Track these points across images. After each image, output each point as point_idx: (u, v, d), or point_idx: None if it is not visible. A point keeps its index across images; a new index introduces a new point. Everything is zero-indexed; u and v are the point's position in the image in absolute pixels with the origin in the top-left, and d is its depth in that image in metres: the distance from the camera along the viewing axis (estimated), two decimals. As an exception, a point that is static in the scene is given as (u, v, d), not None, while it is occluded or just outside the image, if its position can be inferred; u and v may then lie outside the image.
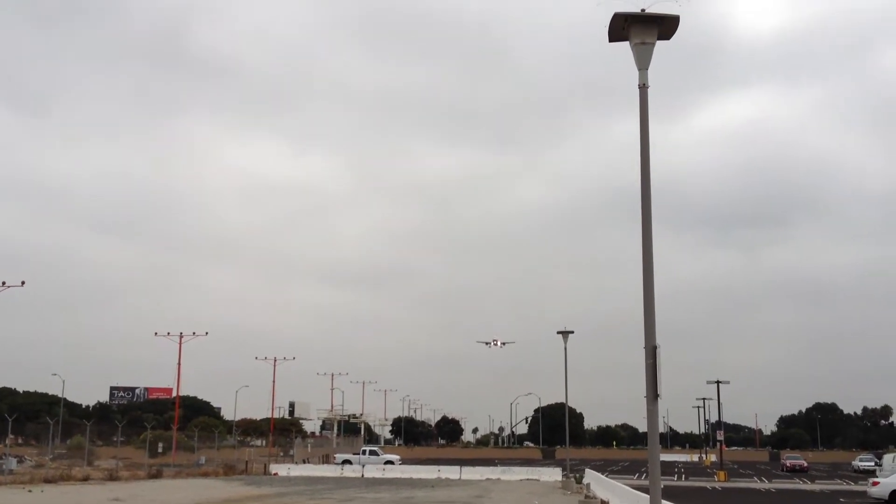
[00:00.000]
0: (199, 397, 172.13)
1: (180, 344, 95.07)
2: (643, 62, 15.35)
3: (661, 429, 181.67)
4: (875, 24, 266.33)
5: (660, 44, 15.48)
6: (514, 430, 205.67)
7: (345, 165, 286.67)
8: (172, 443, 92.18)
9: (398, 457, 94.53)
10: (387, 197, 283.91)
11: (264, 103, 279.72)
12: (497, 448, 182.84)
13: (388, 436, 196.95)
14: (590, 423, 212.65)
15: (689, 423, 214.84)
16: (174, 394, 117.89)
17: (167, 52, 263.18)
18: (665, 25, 15.27)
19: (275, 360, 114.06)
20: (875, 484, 47.59)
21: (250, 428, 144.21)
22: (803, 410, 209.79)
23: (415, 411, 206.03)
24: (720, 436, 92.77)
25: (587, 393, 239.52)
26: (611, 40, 15.71)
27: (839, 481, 75.60)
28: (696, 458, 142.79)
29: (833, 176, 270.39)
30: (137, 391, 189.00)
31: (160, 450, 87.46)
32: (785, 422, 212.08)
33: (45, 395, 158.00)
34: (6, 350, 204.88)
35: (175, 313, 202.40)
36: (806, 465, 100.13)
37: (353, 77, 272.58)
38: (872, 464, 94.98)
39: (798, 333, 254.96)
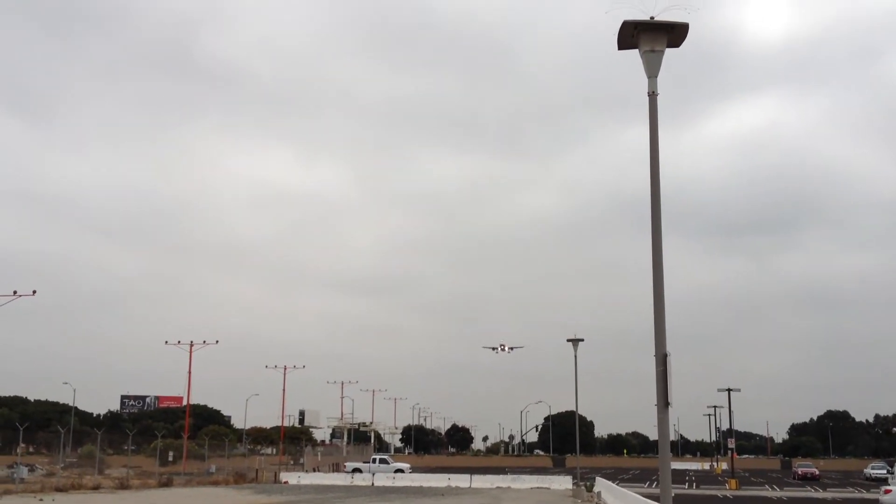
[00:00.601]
0: (210, 406, 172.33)
1: (191, 352, 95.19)
2: (652, 70, 15.35)
3: (672, 437, 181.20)
4: (884, 32, 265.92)
5: (669, 51, 15.49)
6: (524, 438, 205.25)
7: (352, 174, 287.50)
8: (183, 451, 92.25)
9: (408, 465, 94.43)
10: (395, 205, 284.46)
11: (272, 112, 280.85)
12: (507, 456, 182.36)
13: (399, 444, 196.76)
14: (600, 431, 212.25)
15: (700, 432, 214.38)
16: (185, 402, 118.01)
17: (175, 61, 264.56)
18: (674, 33, 15.27)
19: (285, 369, 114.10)
20: (887, 492, 47.36)
21: (260, 436, 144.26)
22: (815, 418, 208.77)
23: (425, 419, 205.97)
24: (731, 444, 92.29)
25: (598, 401, 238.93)
26: (620, 48, 15.72)
27: (851, 489, 75.21)
28: (707, 466, 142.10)
29: (842, 183, 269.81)
30: (148, 400, 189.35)
31: (171, 458, 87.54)
32: (796, 430, 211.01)
33: (56, 403, 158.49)
34: (18, 359, 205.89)
35: (185, 322, 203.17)
36: (818, 473, 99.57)
37: (361, 86, 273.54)
38: (885, 471, 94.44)
39: (809, 341, 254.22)
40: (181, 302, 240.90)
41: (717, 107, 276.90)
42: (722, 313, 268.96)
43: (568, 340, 70.40)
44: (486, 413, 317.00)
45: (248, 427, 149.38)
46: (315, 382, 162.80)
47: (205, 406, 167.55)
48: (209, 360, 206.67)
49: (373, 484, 72.50)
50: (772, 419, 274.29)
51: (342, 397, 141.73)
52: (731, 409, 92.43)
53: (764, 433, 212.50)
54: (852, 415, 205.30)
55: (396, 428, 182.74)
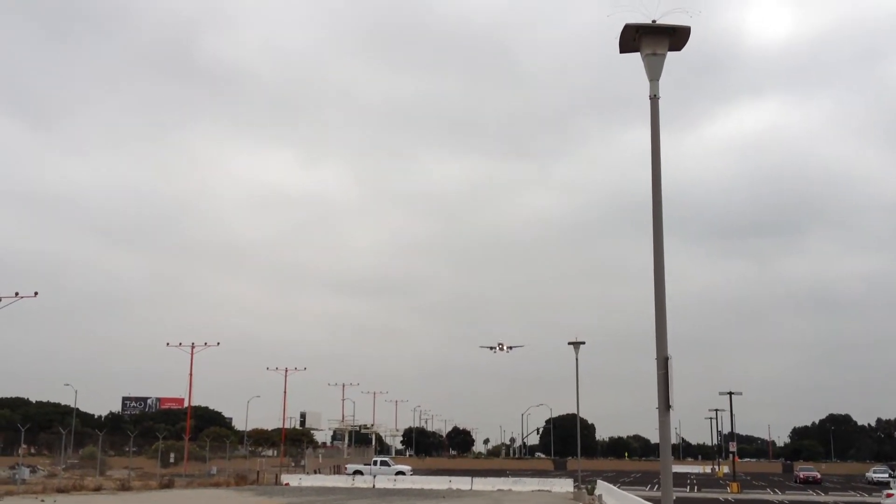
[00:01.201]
0: (211, 407, 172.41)
1: (192, 354, 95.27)
2: (654, 73, 15.37)
3: (674, 440, 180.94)
4: (887, 33, 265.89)
5: (670, 54, 15.51)
6: (525, 441, 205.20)
7: (353, 176, 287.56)
8: (184, 453, 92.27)
9: (409, 467, 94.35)
10: (396, 207, 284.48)
11: (273, 114, 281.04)
12: (508, 459, 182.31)
13: (400, 446, 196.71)
14: (601, 434, 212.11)
15: (701, 435, 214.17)
16: (186, 404, 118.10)
17: (176, 64, 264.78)
18: (676, 36, 15.30)
19: (286, 371, 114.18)
20: (889, 496, 47.31)
21: (262, 438, 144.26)
22: (816, 422, 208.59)
23: (426, 422, 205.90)
24: (733, 447, 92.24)
25: (599, 404, 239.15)
26: (622, 51, 15.74)
27: (853, 493, 75.13)
28: (708, 469, 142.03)
29: (845, 185, 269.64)
30: (149, 401, 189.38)
31: (172, 460, 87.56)
32: (798, 433, 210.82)
33: (58, 405, 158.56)
34: (19, 360, 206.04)
35: (186, 324, 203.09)
36: (819, 476, 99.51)
37: (362, 88, 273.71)
38: (887, 475, 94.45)
39: (811, 344, 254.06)
40: (182, 303, 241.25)
41: (719, 109, 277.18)
42: (724, 316, 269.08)
43: (569, 343, 70.42)
44: (488, 415, 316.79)
45: (249, 429, 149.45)
46: (316, 384, 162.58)
47: (206, 408, 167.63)
48: (210, 362, 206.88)
49: (374, 486, 72.48)
50: (773, 422, 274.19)
51: (343, 399, 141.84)
52: (733, 412, 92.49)
53: (765, 436, 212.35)
54: (854, 418, 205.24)
55: (398, 430, 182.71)
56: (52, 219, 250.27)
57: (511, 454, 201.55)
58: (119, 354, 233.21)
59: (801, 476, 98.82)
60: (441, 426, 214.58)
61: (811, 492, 75.77)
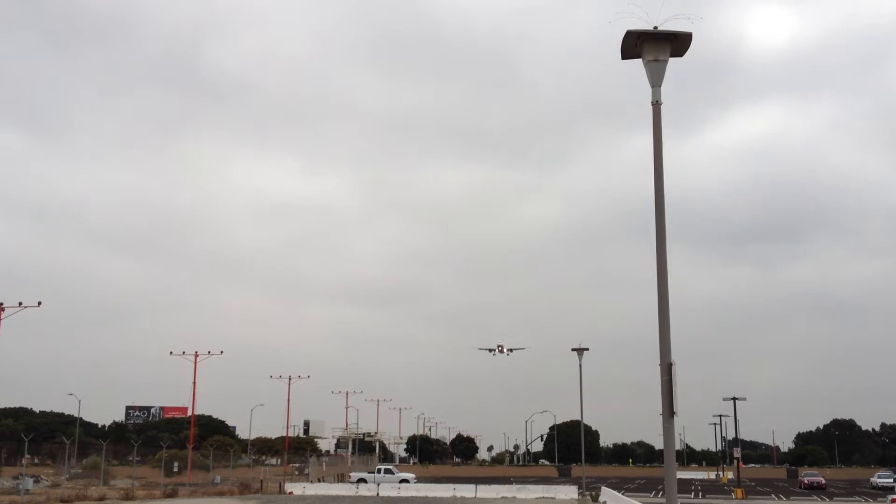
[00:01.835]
0: (215, 416, 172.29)
1: (195, 363, 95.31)
2: (656, 79, 15.37)
3: (678, 446, 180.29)
4: (889, 38, 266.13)
5: (672, 60, 15.52)
6: (529, 447, 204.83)
7: (357, 184, 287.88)
8: (188, 462, 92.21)
9: (413, 475, 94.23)
10: (399, 215, 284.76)
11: (277, 123, 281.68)
12: (512, 466, 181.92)
13: (403, 454, 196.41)
14: (605, 440, 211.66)
15: (705, 441, 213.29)
16: (189, 413, 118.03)
17: (180, 74, 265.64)
18: (678, 43, 15.30)
19: (289, 379, 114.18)
20: (894, 501, 47.19)
21: (265, 447, 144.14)
22: (821, 427, 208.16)
23: (430, 429, 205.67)
24: (737, 453, 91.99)
25: (603, 410, 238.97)
26: (623, 58, 15.75)
27: (858, 498, 74.94)
28: (713, 475, 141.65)
29: (849, 190, 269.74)
30: (153, 410, 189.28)
31: (176, 469, 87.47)
32: (802, 438, 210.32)
33: (62, 414, 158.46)
34: (22, 370, 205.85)
35: (190, 333, 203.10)
36: (824, 482, 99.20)
37: (365, 97, 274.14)
38: (891, 480, 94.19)
39: (815, 349, 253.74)
40: (186, 312, 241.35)
41: (721, 115, 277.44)
42: (728, 322, 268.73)
43: (573, 350, 70.35)
44: (491, 423, 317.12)
45: (252, 437, 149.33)
46: (320, 392, 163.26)
47: (210, 416, 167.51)
48: (214, 371, 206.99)
49: (378, 494, 72.38)
50: (778, 428, 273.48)
51: (347, 407, 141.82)
52: (737, 418, 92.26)
53: (770, 442, 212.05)
54: (858, 423, 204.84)
55: (401, 438, 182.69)
56: (55, 229, 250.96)
57: (515, 461, 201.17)
58: (122, 363, 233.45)
59: (806, 481, 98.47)
60: (445, 434, 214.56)
61: (816, 497, 75.59)
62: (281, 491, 76.73)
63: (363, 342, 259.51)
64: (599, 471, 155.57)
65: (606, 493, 57.76)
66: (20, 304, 64.44)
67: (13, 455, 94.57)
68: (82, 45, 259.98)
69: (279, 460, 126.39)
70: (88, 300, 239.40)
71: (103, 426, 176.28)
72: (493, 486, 75.26)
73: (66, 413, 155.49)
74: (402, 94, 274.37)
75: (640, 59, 15.49)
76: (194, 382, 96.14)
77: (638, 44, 15.34)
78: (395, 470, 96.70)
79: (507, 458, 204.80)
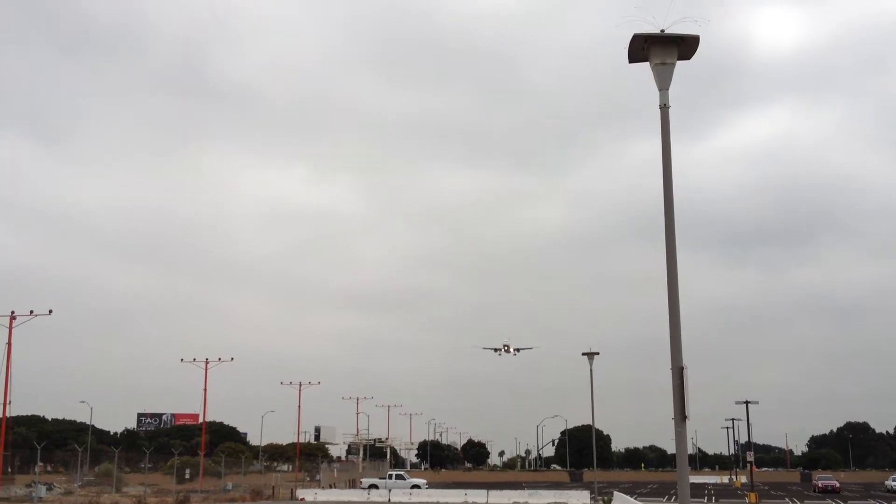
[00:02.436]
0: (226, 423, 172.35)
1: (206, 370, 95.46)
2: (664, 82, 15.32)
3: (690, 450, 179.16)
4: (894, 39, 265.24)
5: (679, 62, 15.47)
6: (540, 452, 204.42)
7: (364, 190, 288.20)
8: (200, 469, 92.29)
9: (424, 481, 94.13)
10: (406, 221, 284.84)
11: (283, 130, 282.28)
12: (524, 471, 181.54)
13: (415, 460, 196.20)
14: (617, 445, 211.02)
15: (718, 445, 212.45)
16: (201, 419, 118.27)
17: (187, 82, 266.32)
18: (685, 45, 15.26)
19: (300, 385, 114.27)
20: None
21: (276, 453, 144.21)
22: (834, 430, 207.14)
23: (441, 435, 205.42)
24: (750, 457, 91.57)
25: (614, 414, 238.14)
26: (631, 61, 15.71)
27: (873, 502, 74.54)
28: (726, 479, 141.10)
29: (856, 192, 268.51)
30: (164, 417, 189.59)
31: (187, 476, 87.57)
32: (816, 442, 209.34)
33: (74, 422, 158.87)
34: (34, 378, 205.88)
35: (200, 339, 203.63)
36: (838, 485, 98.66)
37: (370, 103, 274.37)
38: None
39: (827, 352, 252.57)
40: (196, 319, 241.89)
41: (728, 117, 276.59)
42: (738, 324, 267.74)
43: (583, 354, 70.16)
44: (502, 428, 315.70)
45: (264, 444, 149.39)
46: (330, 398, 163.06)
47: (221, 423, 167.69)
48: (224, 377, 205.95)
49: (389, 500, 72.33)
50: (791, 431, 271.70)
51: (357, 413, 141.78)
52: (750, 421, 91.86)
53: (783, 445, 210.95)
54: (872, 426, 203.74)
55: (412, 443, 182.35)
56: (66, 236, 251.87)
57: (527, 466, 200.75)
58: (134, 371, 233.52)
59: (820, 485, 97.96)
60: (456, 439, 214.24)
61: (830, 501, 75.21)
62: (292, 497, 76.75)
63: (373, 347, 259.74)
64: (611, 475, 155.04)
65: (619, 498, 57.57)
66: (31, 312, 64.71)
67: (26, 463, 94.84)
68: (91, 54, 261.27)
69: (290, 466, 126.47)
70: (99, 308, 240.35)
71: (115, 433, 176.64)
72: (504, 491, 75.09)
73: (79, 420, 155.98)
74: (408, 100, 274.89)
75: (648, 63, 15.46)
76: (205, 389, 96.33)
77: (645, 47, 15.30)
78: (406, 475, 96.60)
79: (519, 464, 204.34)
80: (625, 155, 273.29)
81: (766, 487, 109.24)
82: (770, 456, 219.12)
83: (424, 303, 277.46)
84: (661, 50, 15.18)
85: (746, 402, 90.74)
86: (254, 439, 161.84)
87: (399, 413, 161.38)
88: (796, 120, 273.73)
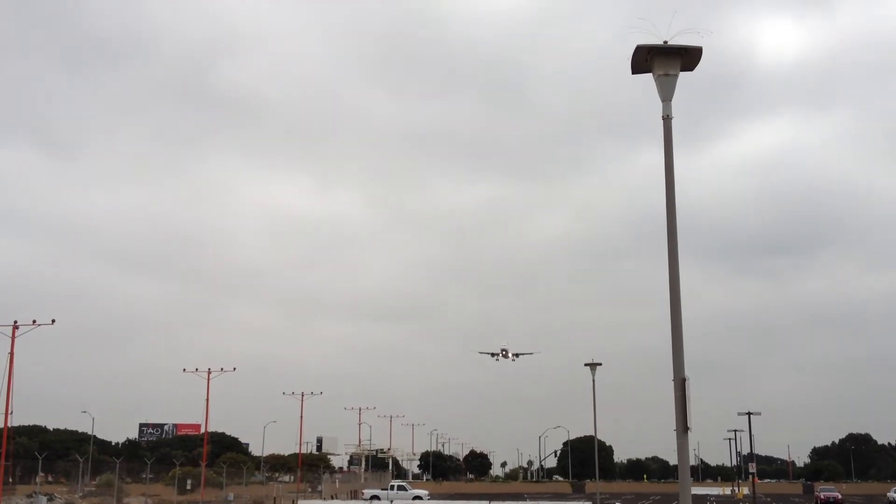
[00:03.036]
0: (228, 433, 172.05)
1: (208, 380, 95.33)
2: (667, 94, 15.36)
3: (692, 461, 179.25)
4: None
5: (682, 73, 15.52)
6: (542, 463, 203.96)
7: (368, 200, 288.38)
8: (201, 479, 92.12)
9: (426, 492, 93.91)
10: (410, 231, 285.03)
11: (288, 140, 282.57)
12: (526, 482, 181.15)
13: (416, 470, 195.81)
14: (620, 456, 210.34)
15: (720, 456, 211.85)
16: (203, 430, 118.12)
17: (192, 92, 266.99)
18: (688, 57, 15.31)
19: (302, 395, 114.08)
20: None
21: (278, 463, 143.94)
22: (836, 441, 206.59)
23: (443, 445, 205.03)
24: (752, 468, 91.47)
25: (616, 425, 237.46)
26: (634, 72, 15.76)
27: (875, 514, 74.27)
28: (728, 491, 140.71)
29: (861, 202, 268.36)
30: (166, 427, 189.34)
31: (189, 486, 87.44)
32: (818, 453, 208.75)
33: (75, 432, 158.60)
34: (36, 387, 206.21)
35: (203, 349, 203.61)
36: (840, 497, 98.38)
37: (375, 113, 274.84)
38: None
39: (829, 363, 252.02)
40: (199, 329, 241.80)
41: (732, 127, 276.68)
42: (741, 335, 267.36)
43: (585, 364, 70.03)
44: (505, 439, 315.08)
45: (265, 454, 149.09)
46: (332, 409, 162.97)
47: (223, 433, 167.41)
48: (227, 387, 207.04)
49: (391, 511, 72.18)
50: (793, 443, 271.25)
51: (360, 423, 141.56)
52: (752, 432, 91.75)
53: (785, 457, 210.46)
54: (874, 437, 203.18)
55: (414, 454, 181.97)
56: (69, 246, 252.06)
57: (529, 477, 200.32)
58: (136, 380, 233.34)
59: (822, 497, 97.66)
60: (458, 449, 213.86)
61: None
62: (294, 508, 76.61)
63: (375, 358, 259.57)
64: (614, 487, 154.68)
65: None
66: (34, 321, 64.66)
67: (27, 473, 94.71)
68: (96, 64, 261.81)
69: (292, 477, 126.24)
70: (102, 318, 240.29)
71: (117, 444, 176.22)
72: (506, 502, 74.98)
73: (80, 431, 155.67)
74: (413, 110, 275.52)
75: (651, 74, 15.50)
76: (207, 399, 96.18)
77: (648, 58, 15.35)
78: (408, 486, 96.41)
79: (521, 474, 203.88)
80: (628, 165, 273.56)
81: (769, 499, 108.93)
82: (772, 467, 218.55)
83: (427, 313, 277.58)
84: (664, 61, 15.23)
85: (749, 414, 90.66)
86: (256, 450, 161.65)
87: (401, 423, 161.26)
88: (800, 130, 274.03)
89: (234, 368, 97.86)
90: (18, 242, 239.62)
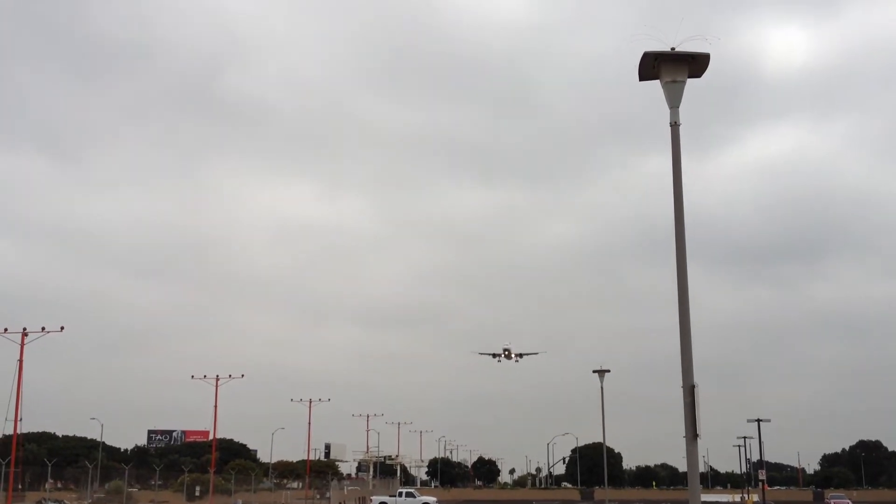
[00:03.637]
0: (236, 440, 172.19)
1: (216, 386, 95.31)
2: (674, 100, 15.35)
3: (702, 468, 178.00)
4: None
5: (690, 80, 15.51)
6: (551, 470, 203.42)
7: (375, 206, 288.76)
8: (210, 486, 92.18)
9: (435, 499, 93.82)
10: (417, 237, 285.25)
11: (294, 147, 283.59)
12: (535, 489, 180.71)
13: (425, 477, 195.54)
14: (629, 462, 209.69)
15: (730, 463, 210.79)
16: (211, 437, 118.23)
17: (198, 100, 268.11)
18: (695, 64, 15.29)
19: (310, 402, 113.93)
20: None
21: (286, 470, 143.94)
22: (847, 448, 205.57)
23: (451, 452, 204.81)
24: (762, 475, 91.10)
25: (625, 432, 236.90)
26: (641, 79, 15.74)
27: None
28: (738, 498, 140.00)
29: (868, 208, 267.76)
30: (175, 434, 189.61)
31: (197, 493, 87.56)
32: (828, 460, 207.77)
33: (84, 439, 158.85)
34: (45, 394, 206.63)
35: (211, 356, 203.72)
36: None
37: (382, 119, 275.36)
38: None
39: (839, 369, 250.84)
40: (207, 335, 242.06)
41: (740, 134, 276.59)
42: (750, 342, 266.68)
43: (594, 371, 69.87)
44: (513, 445, 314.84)
45: (274, 461, 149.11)
46: (340, 415, 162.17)
47: (231, 440, 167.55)
48: (235, 394, 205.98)
49: (399, 518, 72.09)
50: (803, 450, 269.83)
51: (368, 430, 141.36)
52: (762, 439, 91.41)
53: (795, 464, 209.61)
54: (885, 444, 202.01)
55: (423, 461, 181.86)
56: (78, 253, 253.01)
57: (537, 484, 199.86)
58: (144, 387, 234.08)
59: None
60: (466, 456, 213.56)
61: (843, 520, 74.60)
62: (302, 515, 76.60)
63: (383, 364, 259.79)
64: (623, 494, 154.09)
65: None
66: (43, 328, 64.87)
67: (37, 480, 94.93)
68: (104, 72, 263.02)
69: (300, 484, 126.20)
70: (110, 324, 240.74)
71: (126, 450, 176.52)
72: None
73: (89, 437, 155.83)
74: (419, 116, 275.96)
75: (658, 81, 15.50)
76: (215, 406, 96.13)
77: (655, 65, 15.34)
78: (416, 493, 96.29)
79: (530, 481, 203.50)
80: (635, 172, 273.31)
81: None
82: (782, 474, 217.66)
83: (435, 319, 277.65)
84: (671, 68, 15.22)
85: (758, 420, 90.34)
86: (264, 456, 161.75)
87: (409, 430, 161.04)
88: (807, 136, 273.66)
89: (243, 375, 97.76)
90: (28, 249, 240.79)
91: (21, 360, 63.25)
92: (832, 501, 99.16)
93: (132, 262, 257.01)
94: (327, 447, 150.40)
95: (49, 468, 63.86)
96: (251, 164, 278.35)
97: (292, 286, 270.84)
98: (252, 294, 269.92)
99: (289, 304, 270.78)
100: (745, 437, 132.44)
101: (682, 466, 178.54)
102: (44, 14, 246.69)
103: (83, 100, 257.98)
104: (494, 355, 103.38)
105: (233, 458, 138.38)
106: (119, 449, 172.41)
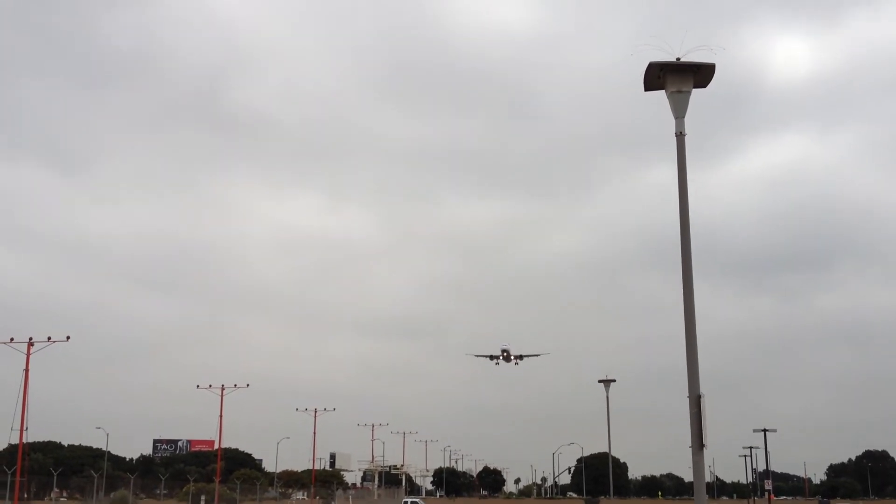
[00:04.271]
0: (241, 449, 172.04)
1: (222, 396, 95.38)
2: (679, 110, 15.38)
3: (708, 478, 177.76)
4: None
5: (695, 90, 15.53)
6: (556, 480, 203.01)
7: (379, 218, 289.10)
8: (215, 495, 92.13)
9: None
10: (421, 248, 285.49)
11: (299, 159, 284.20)
12: (540, 499, 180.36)
13: (430, 487, 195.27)
14: (634, 472, 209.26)
15: (736, 473, 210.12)
16: (216, 446, 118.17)
17: (204, 112, 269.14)
18: (701, 74, 15.32)
19: (315, 412, 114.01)
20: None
21: (292, 480, 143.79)
22: (853, 458, 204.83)
23: (456, 462, 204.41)
24: (768, 485, 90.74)
25: (631, 442, 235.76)
26: (647, 89, 15.78)
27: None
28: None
29: (874, 218, 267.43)
30: (180, 443, 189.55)
31: (203, 502, 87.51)
32: (834, 470, 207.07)
33: (90, 448, 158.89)
34: (51, 404, 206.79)
35: (216, 366, 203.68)
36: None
37: (386, 131, 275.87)
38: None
39: (845, 379, 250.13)
40: (212, 346, 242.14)
41: (744, 143, 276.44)
42: (756, 352, 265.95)
43: (599, 381, 69.83)
44: (518, 455, 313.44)
45: (279, 470, 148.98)
46: (345, 425, 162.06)
47: (236, 449, 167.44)
48: (240, 404, 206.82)
49: (405, 528, 71.98)
50: (809, 459, 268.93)
51: (373, 440, 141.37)
52: (768, 449, 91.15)
53: (801, 474, 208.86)
54: (892, 455, 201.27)
55: (428, 470, 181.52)
56: (83, 264, 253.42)
57: (542, 494, 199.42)
58: (150, 397, 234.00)
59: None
60: (471, 466, 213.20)
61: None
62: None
63: (388, 374, 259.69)
64: None
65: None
66: (49, 338, 65.05)
67: (42, 489, 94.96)
68: (108, 84, 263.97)
69: (306, 493, 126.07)
70: (116, 334, 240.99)
71: (131, 459, 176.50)
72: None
73: (95, 447, 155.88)
74: (423, 128, 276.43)
75: (664, 91, 15.52)
76: (221, 415, 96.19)
77: (661, 76, 15.37)
78: (421, 502, 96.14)
79: (535, 491, 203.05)
80: (640, 182, 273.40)
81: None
82: (788, 484, 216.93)
83: (439, 329, 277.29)
84: (676, 78, 15.25)
85: (764, 430, 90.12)
86: (269, 466, 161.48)
87: (414, 440, 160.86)
88: (812, 146, 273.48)
89: (248, 385, 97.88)
90: (34, 260, 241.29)
91: (27, 370, 63.44)
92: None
93: (137, 272, 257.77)
94: (332, 456, 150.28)
95: (55, 477, 63.93)
96: (255, 176, 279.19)
97: (297, 296, 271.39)
98: (256, 304, 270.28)
99: (293, 315, 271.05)
100: (751, 447, 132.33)
101: (687, 476, 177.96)
102: (47, 25, 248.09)
103: (88, 112, 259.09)
104: (492, 357, 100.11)
105: (238, 467, 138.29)
106: (124, 458, 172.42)
